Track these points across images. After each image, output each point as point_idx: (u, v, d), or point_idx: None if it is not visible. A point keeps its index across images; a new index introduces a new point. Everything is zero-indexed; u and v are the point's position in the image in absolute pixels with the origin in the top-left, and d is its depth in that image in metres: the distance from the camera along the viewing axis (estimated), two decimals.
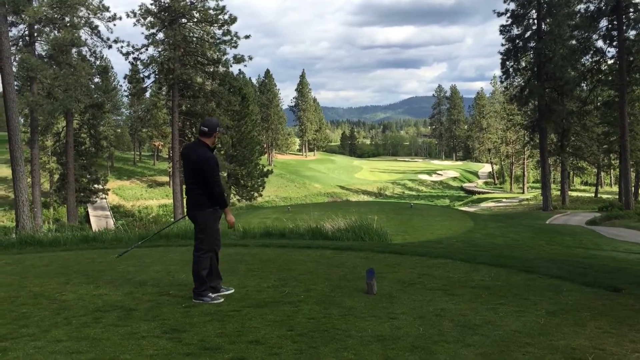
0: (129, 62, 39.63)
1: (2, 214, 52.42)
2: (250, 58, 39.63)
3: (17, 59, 31.86)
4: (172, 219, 41.92)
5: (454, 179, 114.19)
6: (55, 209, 54.60)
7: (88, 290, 6.13)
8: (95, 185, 50.95)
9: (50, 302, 5.56)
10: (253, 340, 4.14)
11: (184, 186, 7.19)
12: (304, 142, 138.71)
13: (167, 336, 4.26)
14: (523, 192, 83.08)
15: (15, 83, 28.74)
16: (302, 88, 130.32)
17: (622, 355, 3.88)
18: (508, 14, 45.18)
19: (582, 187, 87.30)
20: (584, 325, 4.61)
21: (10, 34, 28.43)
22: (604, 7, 38.06)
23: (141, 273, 7.19)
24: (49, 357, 3.80)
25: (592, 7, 39.29)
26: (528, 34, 45.25)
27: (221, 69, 41.09)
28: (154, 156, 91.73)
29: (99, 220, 50.66)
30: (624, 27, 37.37)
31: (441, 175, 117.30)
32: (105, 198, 57.81)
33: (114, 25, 37.36)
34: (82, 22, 36.34)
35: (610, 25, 38.50)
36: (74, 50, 36.45)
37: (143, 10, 38.74)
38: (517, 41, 45.68)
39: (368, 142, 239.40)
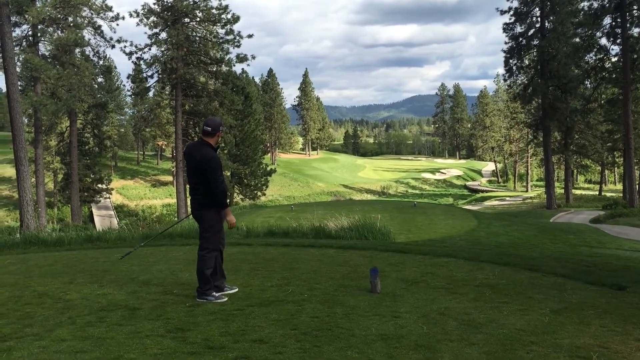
0: (132, 61, 39.81)
1: (7, 213, 52.60)
2: (253, 57, 39.70)
3: (20, 59, 31.95)
4: (176, 219, 42.00)
5: (458, 177, 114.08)
6: (59, 209, 54.70)
7: (92, 289, 6.14)
8: (99, 185, 51.09)
9: (55, 302, 5.58)
10: (257, 339, 4.14)
11: (188, 185, 7.17)
12: (307, 141, 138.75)
13: (171, 335, 4.27)
14: (527, 191, 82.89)
15: (19, 83, 28.81)
16: (305, 87, 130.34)
17: (627, 353, 3.86)
18: (511, 12, 45.01)
19: (586, 185, 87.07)
20: (588, 324, 4.60)
21: (14, 34, 28.52)
22: (607, 5, 37.90)
23: (145, 272, 7.20)
24: (54, 357, 3.81)
25: (595, 5, 39.11)
26: (531, 31, 45.06)
27: (224, 68, 41.15)
28: (157, 156, 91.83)
29: (103, 219, 50.76)
30: (628, 25, 37.22)
31: (444, 173, 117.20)
32: (109, 198, 57.90)
33: (117, 25, 37.57)
34: (85, 22, 36.47)
35: (614, 23, 38.34)
36: (77, 50, 36.57)
37: (146, 10, 38.84)
38: (521, 39, 45.51)
39: (371, 140, 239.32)
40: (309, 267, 7.42)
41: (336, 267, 7.45)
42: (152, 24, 38.95)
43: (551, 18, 43.53)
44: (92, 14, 36.37)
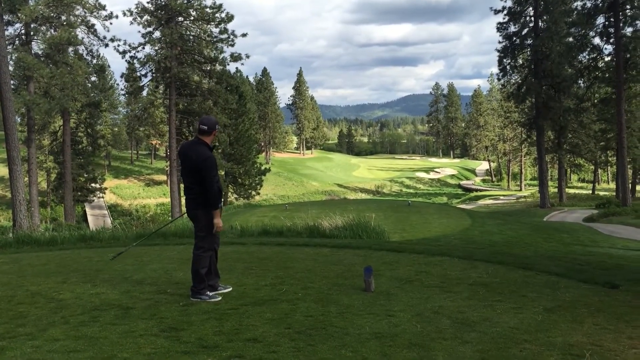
0: (126, 60, 39.63)
1: (0, 213, 52.33)
2: (248, 56, 39.61)
3: (13, 58, 31.79)
4: (170, 218, 41.88)
5: (452, 176, 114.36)
6: (52, 208, 54.48)
7: (85, 289, 6.11)
8: (93, 184, 50.83)
9: (48, 301, 5.55)
10: (251, 338, 4.13)
11: (182, 185, 7.16)
12: (301, 140, 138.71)
13: (165, 334, 4.26)
14: (520, 190, 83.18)
15: (12, 82, 28.64)
16: (299, 86, 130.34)
17: (620, 351, 3.88)
18: (505, 12, 45.12)
19: (580, 184, 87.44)
20: (581, 322, 4.62)
21: (7, 32, 28.39)
22: (600, 4, 38.11)
23: (139, 271, 7.18)
24: (47, 356, 3.79)
25: (588, 4, 39.33)
26: (525, 31, 45.20)
27: (218, 67, 41.03)
28: (151, 155, 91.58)
29: (97, 219, 50.56)
30: (621, 24, 37.43)
31: (439, 173, 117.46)
32: (103, 197, 57.66)
33: (111, 23, 37.45)
34: (79, 20, 36.32)
35: (607, 22, 38.57)
36: (70, 49, 36.41)
37: (139, 9, 38.67)
38: (514, 38, 45.64)
39: (366, 140, 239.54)
40: (303, 266, 7.42)
41: (330, 266, 7.45)
42: (145, 23, 38.79)
43: (545, 17, 43.67)
44: (85, 12, 36.24)
